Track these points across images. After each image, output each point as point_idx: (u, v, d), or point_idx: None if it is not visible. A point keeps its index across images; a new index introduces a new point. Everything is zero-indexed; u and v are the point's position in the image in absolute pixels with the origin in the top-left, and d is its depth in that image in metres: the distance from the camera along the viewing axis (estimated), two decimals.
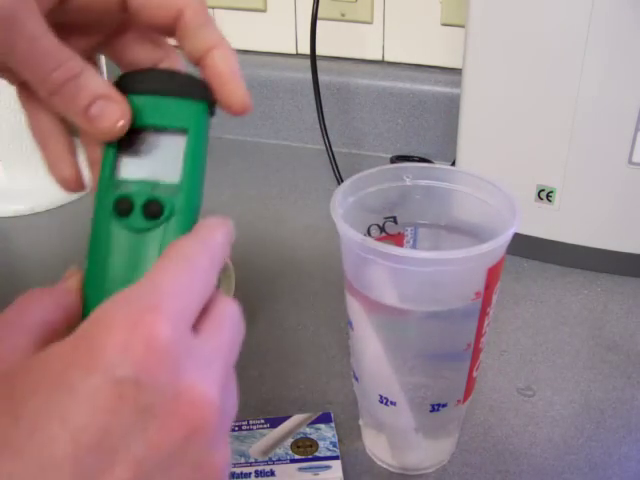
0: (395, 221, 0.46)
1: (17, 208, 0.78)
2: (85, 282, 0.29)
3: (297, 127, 0.91)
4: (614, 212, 0.62)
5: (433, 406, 0.43)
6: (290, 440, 0.46)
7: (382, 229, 0.45)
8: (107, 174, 0.29)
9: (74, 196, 0.81)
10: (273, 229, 0.74)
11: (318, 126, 0.80)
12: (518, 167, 0.63)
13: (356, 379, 0.46)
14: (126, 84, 0.29)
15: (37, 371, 0.23)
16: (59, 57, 0.27)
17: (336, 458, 0.45)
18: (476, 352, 0.42)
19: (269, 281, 0.66)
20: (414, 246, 0.46)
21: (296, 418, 0.48)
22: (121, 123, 0.28)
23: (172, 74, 0.30)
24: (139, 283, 0.25)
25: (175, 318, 0.24)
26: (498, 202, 0.42)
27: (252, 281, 0.66)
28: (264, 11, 0.88)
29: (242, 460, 0.45)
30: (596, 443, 0.49)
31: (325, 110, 0.80)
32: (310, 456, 0.45)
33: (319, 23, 0.77)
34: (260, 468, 0.44)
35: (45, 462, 0.21)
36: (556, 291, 0.64)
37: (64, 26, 0.29)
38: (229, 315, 0.28)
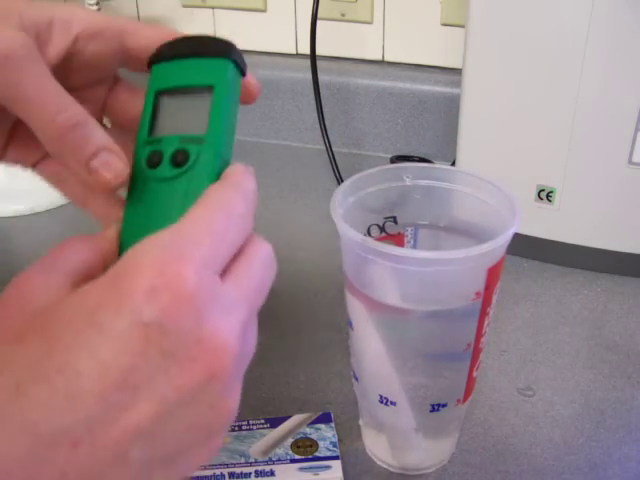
0: (395, 221, 0.46)
1: (17, 208, 0.78)
2: (122, 232, 0.30)
3: (297, 127, 0.91)
4: (614, 212, 0.62)
5: (433, 406, 0.43)
6: (290, 440, 0.46)
7: (382, 229, 0.45)
8: (143, 134, 0.31)
9: None
10: (273, 229, 0.74)
11: (318, 126, 0.80)
12: (518, 167, 0.63)
13: (356, 379, 0.46)
14: (157, 55, 0.31)
15: (70, 309, 0.24)
16: (64, 101, 0.28)
17: (336, 458, 0.45)
18: (476, 352, 0.42)
19: None
20: (414, 246, 0.46)
21: (296, 418, 0.48)
22: (120, 180, 0.29)
23: (198, 38, 0.31)
24: (171, 229, 0.26)
25: (201, 266, 0.25)
26: (498, 202, 0.42)
27: None
28: (264, 11, 0.88)
29: (242, 460, 0.45)
30: (596, 443, 0.49)
31: (325, 110, 0.80)
32: (310, 456, 0.45)
33: (319, 23, 0.77)
34: (260, 468, 0.44)
35: (72, 394, 0.22)
36: (556, 291, 0.64)
37: (67, 86, 0.29)
38: (260, 258, 0.29)
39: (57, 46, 0.29)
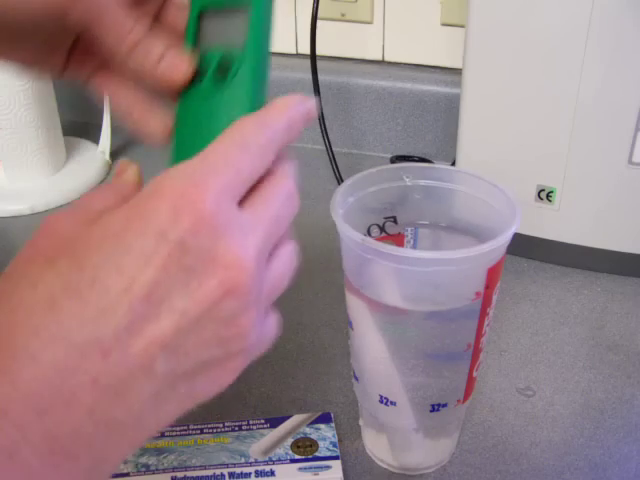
0: (395, 221, 0.46)
1: (17, 208, 0.78)
2: (173, 141, 0.34)
3: None
4: (614, 212, 0.62)
5: (433, 406, 0.43)
6: (290, 440, 0.46)
7: (382, 229, 0.45)
8: (187, 50, 0.33)
9: (74, 196, 0.81)
10: None
11: (318, 126, 0.80)
12: (518, 167, 0.63)
13: (356, 379, 0.46)
14: None
15: (97, 233, 0.27)
16: (131, 23, 0.33)
17: (336, 458, 0.45)
18: (476, 352, 0.42)
19: None
20: (414, 246, 0.46)
21: (296, 418, 0.48)
22: (183, 77, 0.33)
23: None
24: (193, 159, 0.28)
25: (220, 193, 0.27)
26: (498, 202, 0.42)
27: None
28: None
29: (242, 460, 0.45)
30: (596, 443, 0.49)
31: (325, 110, 0.80)
32: (310, 456, 0.45)
33: (319, 23, 0.77)
34: (260, 468, 0.44)
35: (103, 307, 0.25)
36: (556, 291, 0.64)
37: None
38: (279, 191, 0.32)
39: None
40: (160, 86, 0.33)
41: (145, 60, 0.33)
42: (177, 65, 0.33)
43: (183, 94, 0.33)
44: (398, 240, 0.46)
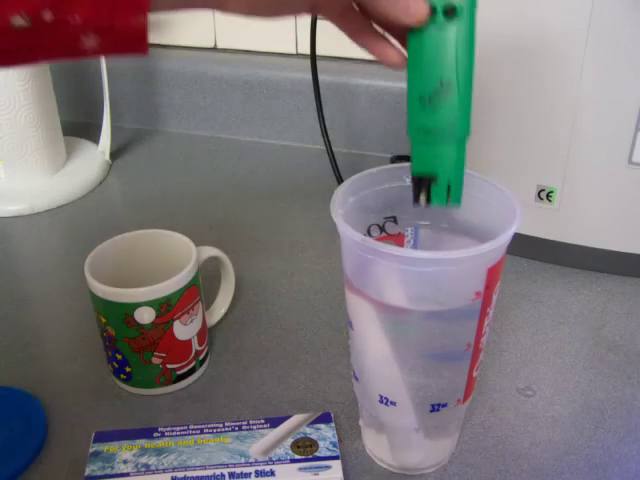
0: (395, 221, 0.46)
1: (17, 208, 0.78)
2: (408, 73, 0.40)
3: (297, 127, 0.91)
4: (614, 212, 0.62)
5: (433, 406, 0.43)
6: (290, 440, 0.46)
7: (382, 229, 0.45)
8: None
9: (74, 196, 0.81)
10: (273, 229, 0.74)
11: (318, 126, 0.80)
12: (518, 167, 0.63)
13: (356, 379, 0.46)
14: None
15: None
16: None
17: (336, 458, 0.45)
18: (476, 352, 0.42)
19: (269, 281, 0.66)
20: (414, 246, 0.46)
21: (296, 418, 0.48)
22: (426, 15, 0.38)
23: None
24: None
25: None
26: (498, 202, 0.42)
27: (252, 281, 0.66)
28: None
29: (242, 460, 0.45)
30: (596, 443, 0.49)
31: (325, 110, 0.80)
32: (310, 456, 0.45)
33: (319, 23, 0.77)
34: (260, 468, 0.44)
35: None
36: (556, 291, 0.64)
37: None
38: None
39: None
40: (402, 24, 0.38)
41: (396, 5, 0.38)
42: (420, 8, 0.38)
43: (413, 30, 0.39)
44: (398, 240, 0.46)
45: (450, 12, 0.38)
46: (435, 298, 0.40)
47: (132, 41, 0.33)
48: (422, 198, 0.41)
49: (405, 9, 0.38)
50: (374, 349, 0.42)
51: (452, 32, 0.39)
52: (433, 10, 0.38)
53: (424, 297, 0.40)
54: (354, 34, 0.43)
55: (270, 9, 0.38)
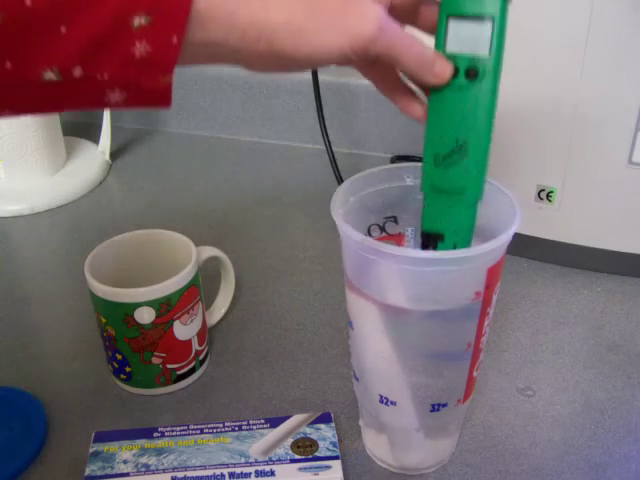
0: (395, 221, 0.46)
1: (17, 208, 0.78)
2: (427, 125, 0.41)
3: (297, 127, 0.91)
4: (614, 212, 0.62)
5: (433, 406, 0.43)
6: (290, 440, 0.46)
7: (382, 229, 0.45)
8: (439, 48, 0.39)
9: (74, 196, 0.81)
10: (273, 229, 0.74)
11: (318, 126, 0.80)
12: (518, 167, 0.63)
13: (356, 379, 0.46)
14: None
15: None
16: (413, 40, 0.38)
17: (336, 458, 0.45)
18: (476, 352, 0.42)
19: (269, 281, 0.66)
20: (414, 246, 0.46)
21: (296, 418, 0.48)
22: (450, 76, 0.39)
23: None
24: None
25: None
26: (498, 202, 0.42)
27: (252, 281, 0.66)
28: None
29: (242, 460, 0.45)
30: (596, 443, 0.49)
31: (325, 110, 0.80)
32: (310, 456, 0.45)
33: None
34: (260, 468, 0.44)
35: None
36: (556, 291, 0.64)
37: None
38: None
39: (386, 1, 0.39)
40: (426, 82, 0.39)
41: (424, 67, 0.39)
42: (445, 69, 0.39)
43: (434, 88, 0.40)
44: (398, 240, 0.46)
45: (473, 74, 0.38)
46: (435, 298, 0.40)
47: (157, 96, 0.34)
48: (430, 249, 0.42)
49: (429, 68, 0.39)
50: (374, 349, 0.42)
51: (473, 93, 0.39)
52: (456, 70, 0.39)
53: (424, 297, 0.40)
54: (379, 83, 0.44)
55: (304, 67, 0.39)
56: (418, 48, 0.38)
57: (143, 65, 0.32)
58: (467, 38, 0.39)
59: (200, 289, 0.53)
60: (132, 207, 0.80)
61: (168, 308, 0.50)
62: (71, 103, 0.34)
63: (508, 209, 0.41)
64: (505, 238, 0.38)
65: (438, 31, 0.39)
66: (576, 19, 0.56)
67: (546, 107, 0.60)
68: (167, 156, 0.91)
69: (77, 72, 0.32)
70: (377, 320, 0.41)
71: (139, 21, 0.31)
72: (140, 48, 0.32)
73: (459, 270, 0.38)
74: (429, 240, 0.41)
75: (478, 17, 0.38)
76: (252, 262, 0.68)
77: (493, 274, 0.39)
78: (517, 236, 0.39)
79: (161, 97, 0.34)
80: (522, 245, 0.66)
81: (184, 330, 0.52)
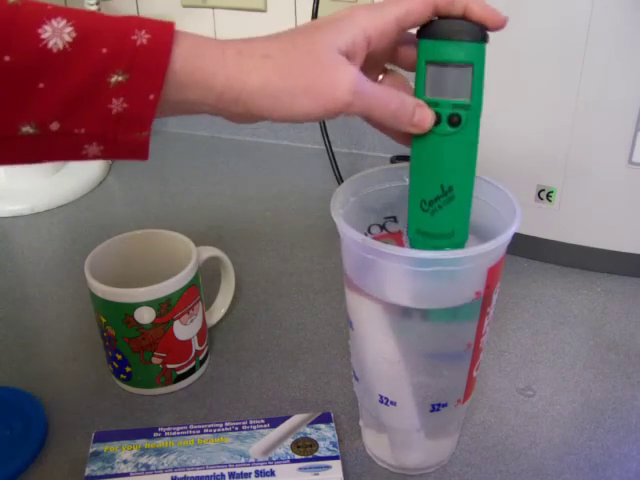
0: (396, 221, 0.46)
1: (17, 208, 0.78)
2: (410, 170, 0.41)
3: (297, 127, 0.91)
4: (614, 212, 0.62)
5: (433, 406, 0.43)
6: (290, 440, 0.46)
7: (383, 229, 0.45)
8: (420, 94, 0.39)
9: (74, 196, 0.81)
10: (273, 229, 0.74)
11: (318, 126, 0.80)
12: (518, 167, 0.63)
13: (356, 379, 0.46)
14: (423, 32, 0.38)
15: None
16: (387, 93, 0.38)
17: (336, 458, 0.45)
18: (476, 352, 0.42)
19: (269, 281, 0.66)
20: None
21: (296, 418, 0.48)
22: (432, 124, 0.39)
23: (455, 23, 0.38)
24: None
25: None
26: (498, 202, 0.42)
27: (252, 281, 0.66)
28: (264, 11, 0.88)
29: (242, 460, 0.45)
30: (596, 443, 0.49)
31: None
32: (310, 456, 0.45)
33: None
34: (260, 468, 0.44)
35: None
36: (556, 291, 0.64)
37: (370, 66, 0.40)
38: None
39: (361, 55, 0.38)
40: (407, 130, 0.39)
41: (403, 118, 0.38)
42: (425, 118, 0.38)
43: (417, 135, 0.40)
44: (398, 238, 0.46)
45: (456, 120, 0.38)
46: (435, 298, 0.40)
47: (133, 150, 0.34)
48: None
49: (408, 120, 0.38)
50: (374, 349, 0.42)
51: (457, 140, 0.39)
52: (438, 117, 0.38)
53: (424, 297, 0.40)
54: (382, 130, 0.44)
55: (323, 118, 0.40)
56: (395, 103, 0.38)
57: (120, 121, 0.33)
58: (447, 84, 0.38)
59: (200, 289, 0.53)
60: (132, 207, 0.80)
61: (168, 308, 0.50)
62: (48, 155, 0.34)
63: (508, 209, 0.41)
64: (505, 238, 0.38)
65: (417, 77, 0.39)
66: (576, 19, 0.56)
67: (546, 107, 0.60)
68: (167, 156, 0.91)
69: (55, 126, 0.32)
70: (377, 319, 0.41)
71: (116, 78, 0.32)
72: (117, 105, 0.32)
73: (459, 270, 0.38)
74: None
75: (457, 64, 0.38)
76: (252, 262, 0.68)
77: (493, 274, 0.39)
78: (517, 236, 0.39)
79: (138, 151, 0.35)
80: (522, 245, 0.66)
81: (184, 330, 0.52)
